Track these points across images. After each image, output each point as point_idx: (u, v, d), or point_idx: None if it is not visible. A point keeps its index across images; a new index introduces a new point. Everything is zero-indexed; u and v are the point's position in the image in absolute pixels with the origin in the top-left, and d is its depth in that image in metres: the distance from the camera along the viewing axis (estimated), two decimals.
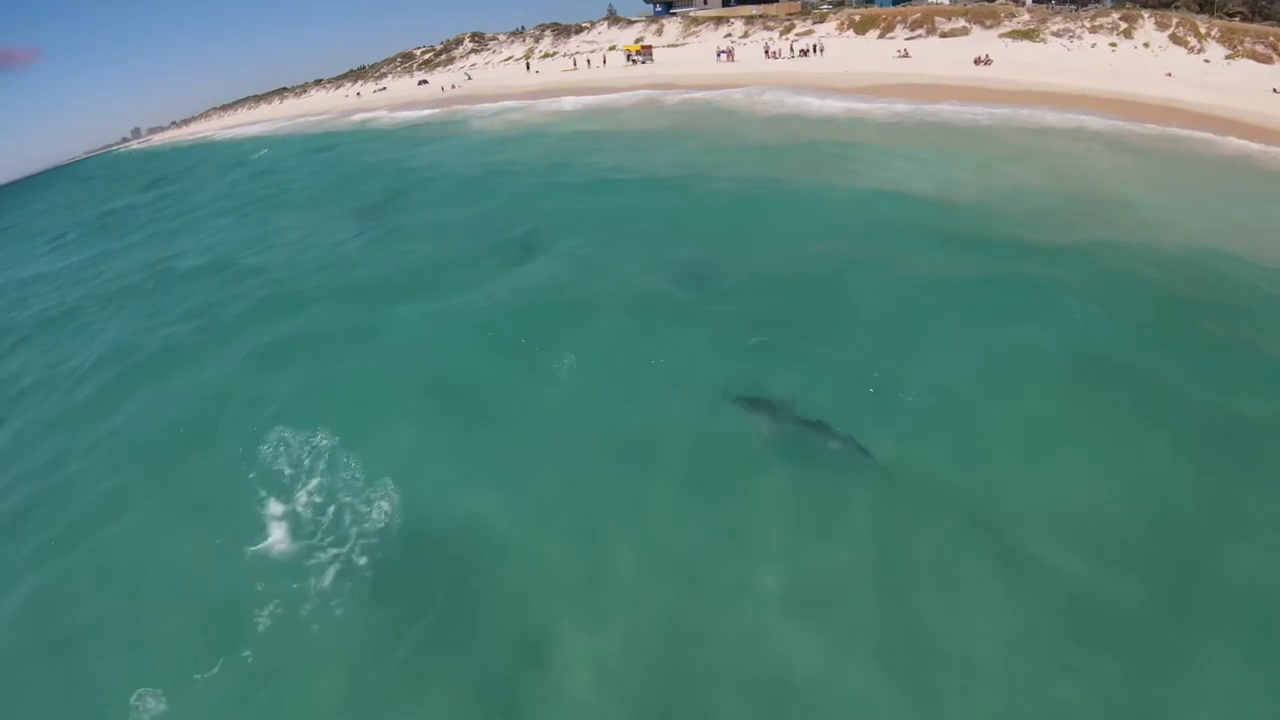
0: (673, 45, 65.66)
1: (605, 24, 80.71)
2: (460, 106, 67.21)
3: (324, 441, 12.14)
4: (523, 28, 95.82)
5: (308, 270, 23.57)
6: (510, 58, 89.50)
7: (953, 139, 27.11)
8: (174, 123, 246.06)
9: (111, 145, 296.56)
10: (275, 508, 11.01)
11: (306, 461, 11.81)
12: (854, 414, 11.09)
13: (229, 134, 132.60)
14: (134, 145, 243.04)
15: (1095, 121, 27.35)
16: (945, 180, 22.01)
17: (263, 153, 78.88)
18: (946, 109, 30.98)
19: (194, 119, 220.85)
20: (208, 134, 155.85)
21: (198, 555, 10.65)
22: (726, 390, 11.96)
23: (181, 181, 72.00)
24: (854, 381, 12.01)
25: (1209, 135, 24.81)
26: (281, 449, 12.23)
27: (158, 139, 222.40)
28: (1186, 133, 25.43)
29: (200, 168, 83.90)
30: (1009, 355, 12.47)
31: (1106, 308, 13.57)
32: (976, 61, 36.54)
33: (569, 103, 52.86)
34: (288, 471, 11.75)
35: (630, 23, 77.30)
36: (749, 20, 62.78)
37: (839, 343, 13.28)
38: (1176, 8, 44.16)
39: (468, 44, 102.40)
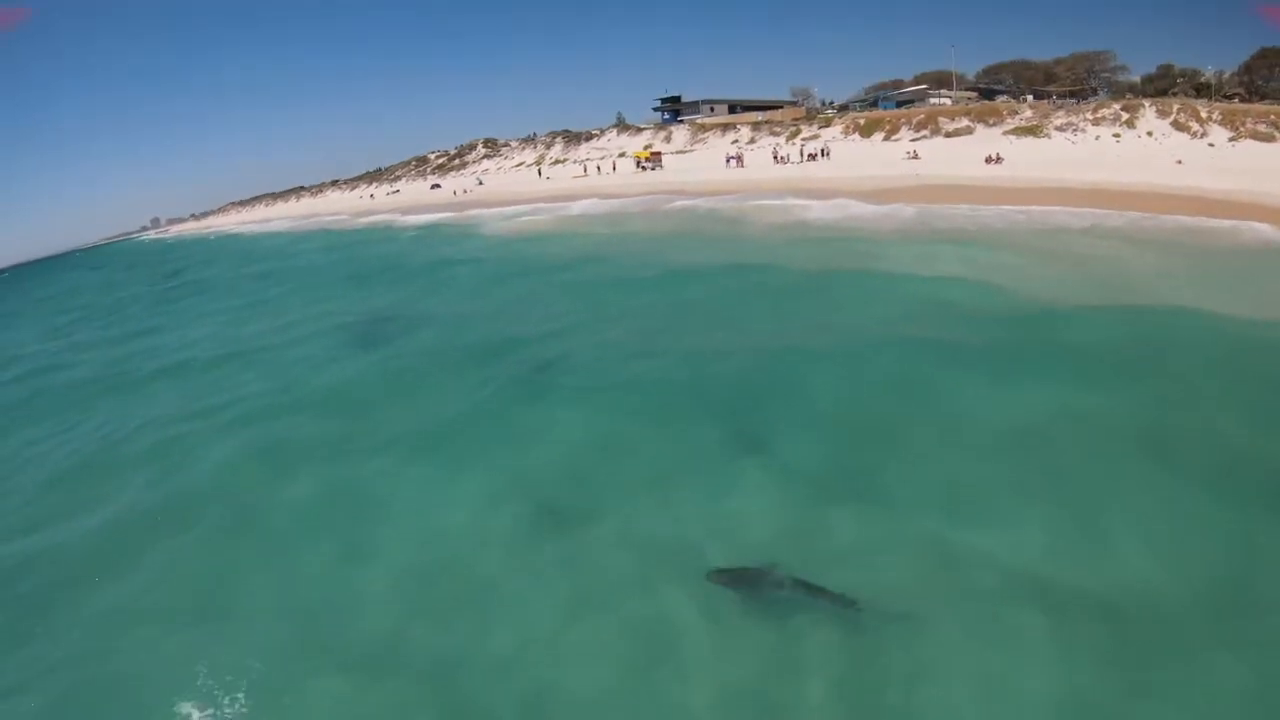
0: (681, 152, 67.11)
1: (614, 131, 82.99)
2: (473, 211, 68.31)
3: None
4: (534, 134, 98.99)
5: (294, 394, 21.64)
6: (522, 163, 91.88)
7: (971, 241, 26.18)
8: (193, 215, 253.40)
9: (131, 233, 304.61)
10: None
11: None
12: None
13: (246, 229, 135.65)
14: (151, 235, 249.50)
15: (1113, 217, 26.55)
16: (969, 282, 21.28)
17: (277, 251, 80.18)
18: (962, 211, 30.55)
19: (212, 213, 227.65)
20: (225, 229, 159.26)
21: None
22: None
23: (196, 272, 73.29)
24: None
25: (1231, 223, 23.86)
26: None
27: (175, 230, 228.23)
28: (1209, 223, 24.39)
29: (217, 262, 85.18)
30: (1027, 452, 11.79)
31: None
32: (988, 160, 36.58)
33: (580, 208, 53.50)
34: None
35: (639, 130, 79.45)
36: (755, 126, 64.32)
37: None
38: (1174, 94, 44.84)
39: (480, 149, 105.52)
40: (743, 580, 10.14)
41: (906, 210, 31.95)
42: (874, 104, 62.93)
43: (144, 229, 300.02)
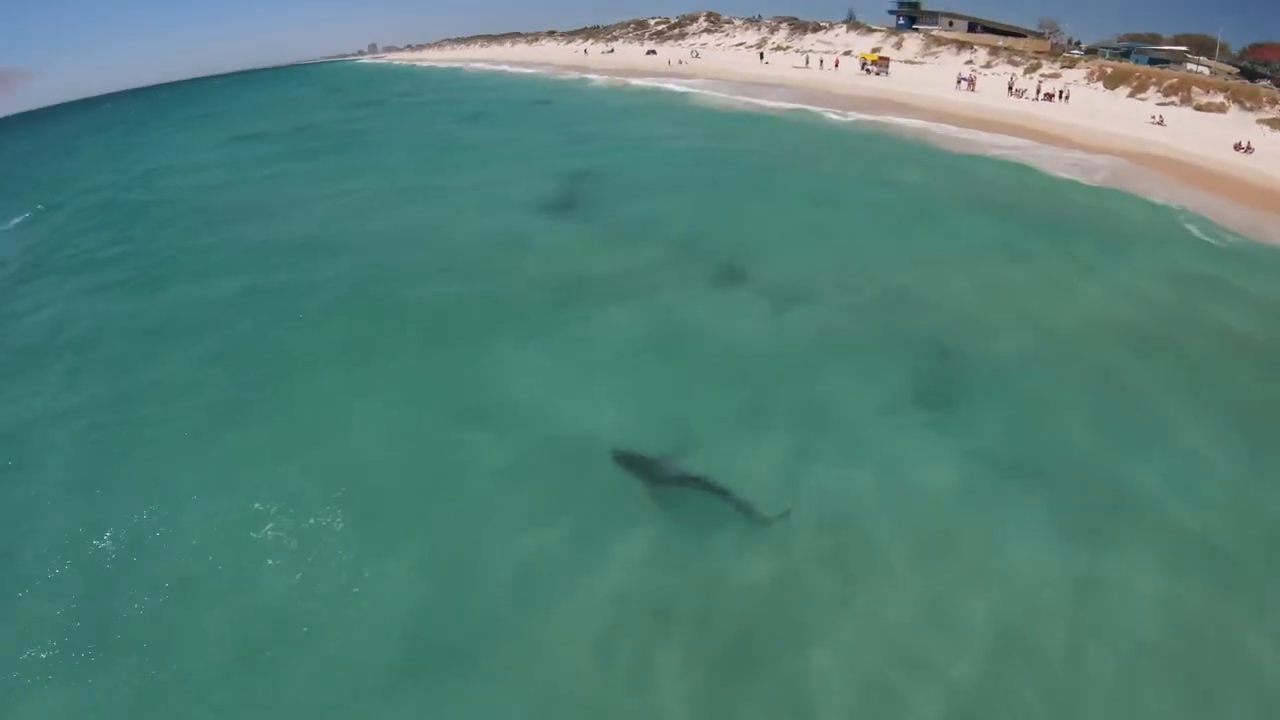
0: (910, 62, 66.69)
1: (844, 27, 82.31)
2: (684, 81, 71.15)
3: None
4: (759, 16, 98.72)
5: (479, 245, 25.61)
6: (742, 44, 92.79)
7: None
8: (409, 46, 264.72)
9: (346, 55, 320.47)
10: None
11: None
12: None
13: (459, 67, 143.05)
14: (367, 59, 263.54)
15: None
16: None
17: (487, 90, 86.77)
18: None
19: (427, 46, 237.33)
20: (439, 63, 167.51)
21: None
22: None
23: (404, 100, 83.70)
24: None
25: None
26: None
27: (389, 58, 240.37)
28: None
29: (423, 92, 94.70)
30: None
31: None
32: (1236, 147, 34.31)
33: (794, 100, 54.72)
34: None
35: (870, 30, 78.48)
36: (993, 51, 63.06)
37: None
38: None
39: (702, 22, 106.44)
40: (641, 464, 12.43)
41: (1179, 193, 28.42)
42: (1126, 54, 59.69)
43: (360, 53, 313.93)
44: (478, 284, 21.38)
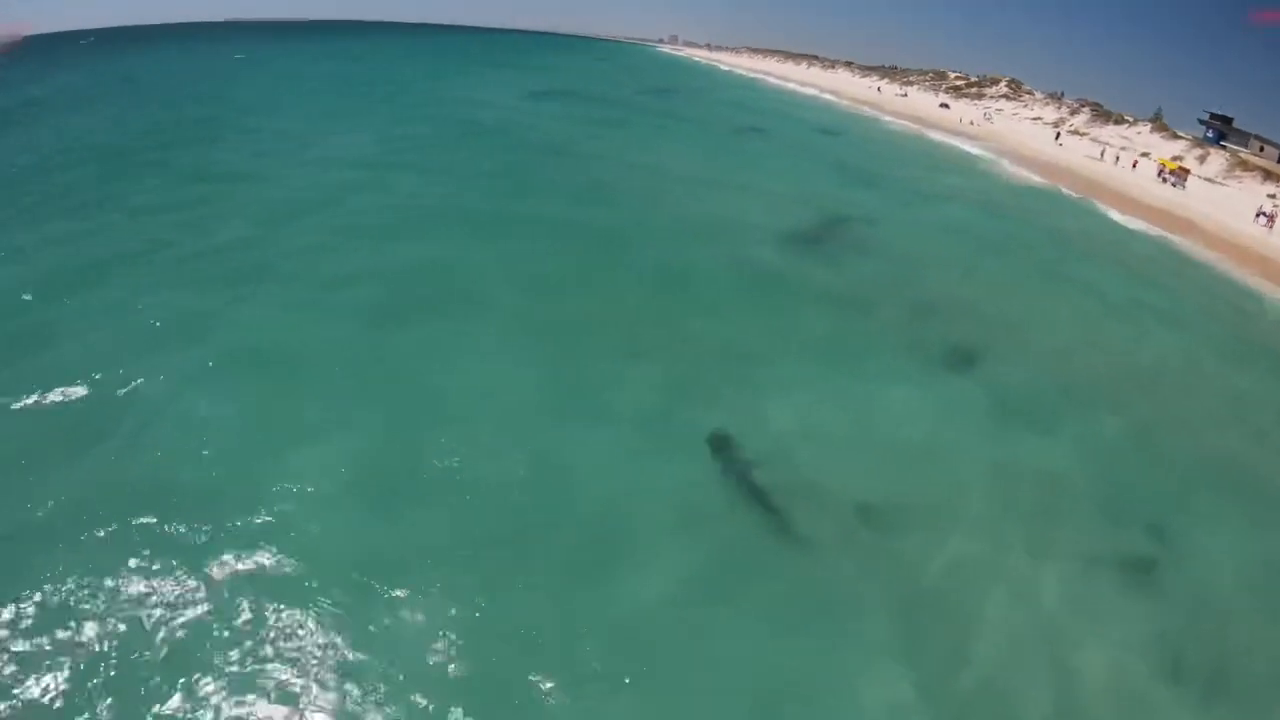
0: (1209, 180, 66.07)
1: (1148, 126, 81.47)
2: (978, 144, 73.25)
3: None
4: (1061, 94, 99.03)
5: (743, 245, 28.94)
6: (1039, 119, 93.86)
7: None
8: (707, 44, 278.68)
9: (648, 40, 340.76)
10: None
11: None
12: None
13: (756, 78, 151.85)
14: (666, 49, 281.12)
15: None
16: None
17: (783, 108, 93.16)
18: None
19: (726, 49, 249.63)
20: (736, 68, 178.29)
21: None
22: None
23: (684, 98, 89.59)
24: None
25: None
26: None
27: (689, 51, 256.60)
28: None
29: (717, 90, 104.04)
30: None
31: None
32: None
33: (1081, 189, 54.49)
34: None
35: (1175, 136, 77.38)
36: None
37: None
38: None
39: (1002, 87, 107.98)
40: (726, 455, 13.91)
41: None
42: None
43: (660, 41, 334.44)
44: (730, 275, 25.38)
